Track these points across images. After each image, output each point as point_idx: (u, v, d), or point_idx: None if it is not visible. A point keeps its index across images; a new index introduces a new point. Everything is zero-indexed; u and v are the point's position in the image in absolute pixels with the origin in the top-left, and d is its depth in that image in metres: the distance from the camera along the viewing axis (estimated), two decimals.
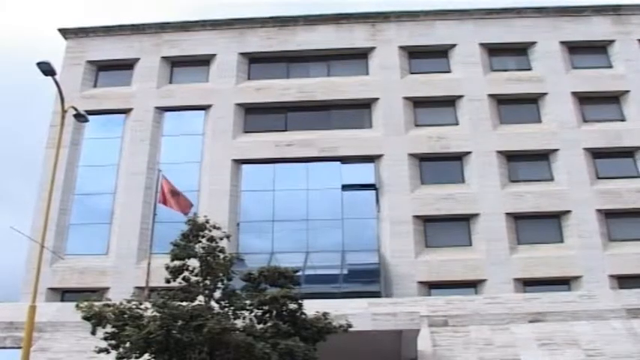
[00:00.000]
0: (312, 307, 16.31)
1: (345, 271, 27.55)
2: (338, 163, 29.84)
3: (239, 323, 15.44)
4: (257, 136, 30.48)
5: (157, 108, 31.46)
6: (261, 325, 15.73)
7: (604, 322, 22.47)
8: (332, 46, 32.45)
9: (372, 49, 32.33)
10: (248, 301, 15.94)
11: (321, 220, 28.76)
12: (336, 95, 31.21)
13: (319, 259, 27.78)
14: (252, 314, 15.91)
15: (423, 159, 29.78)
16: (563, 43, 32.42)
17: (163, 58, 32.60)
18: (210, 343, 14.62)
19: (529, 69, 32.02)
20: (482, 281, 27.48)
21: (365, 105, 31.09)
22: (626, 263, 27.80)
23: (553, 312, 22.73)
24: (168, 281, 16.08)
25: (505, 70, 32.00)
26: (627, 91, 31.21)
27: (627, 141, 30.10)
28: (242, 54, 32.52)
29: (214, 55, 32.55)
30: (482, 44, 32.31)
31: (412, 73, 31.86)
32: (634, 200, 28.98)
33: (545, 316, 22.55)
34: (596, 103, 31.18)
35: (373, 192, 29.22)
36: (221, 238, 16.36)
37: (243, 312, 15.91)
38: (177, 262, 16.00)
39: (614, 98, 31.32)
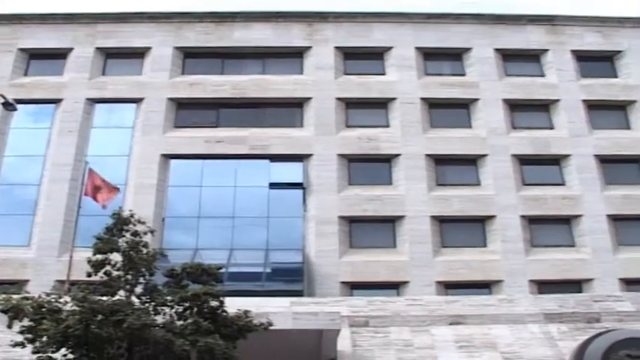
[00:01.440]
0: (234, 305, 16.24)
1: (269, 270, 27.47)
2: (267, 161, 29.60)
3: (159, 319, 15.24)
4: (187, 132, 30.23)
5: (88, 99, 31.03)
6: (181, 322, 15.53)
7: (522, 325, 22.69)
8: (268, 44, 32.34)
9: (308, 48, 32.28)
10: (169, 297, 15.76)
11: (248, 217, 28.61)
12: (270, 93, 31.09)
13: (244, 257, 27.64)
14: (173, 310, 15.73)
15: (352, 160, 29.79)
16: (498, 50, 32.75)
17: (98, 49, 32.17)
18: (129, 338, 14.45)
19: (463, 74, 32.26)
20: (404, 283, 27.55)
21: (298, 104, 31.03)
22: (546, 269, 28.23)
23: (473, 315, 22.82)
24: (89, 275, 15.77)
25: (439, 75, 32.20)
26: (557, 100, 31.64)
27: (555, 149, 30.51)
28: (177, 48, 32.24)
29: (150, 48, 32.20)
30: (418, 48, 32.45)
31: (347, 74, 31.87)
32: (558, 207, 29.37)
33: (466, 319, 22.64)
34: (526, 110, 31.57)
35: (301, 191, 29.10)
36: (145, 233, 16.19)
37: (164, 308, 15.72)
38: (99, 256, 15.76)
39: (544, 106, 31.73)
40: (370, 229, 28.62)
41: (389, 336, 21.66)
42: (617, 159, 30.89)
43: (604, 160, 30.70)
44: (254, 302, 19.02)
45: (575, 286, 28.14)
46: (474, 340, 21.68)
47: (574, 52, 33.09)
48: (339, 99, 31.01)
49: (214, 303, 15.71)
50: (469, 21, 33.18)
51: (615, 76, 32.99)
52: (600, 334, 20.39)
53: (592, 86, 32.31)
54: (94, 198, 24.43)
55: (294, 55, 32.43)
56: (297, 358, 19.63)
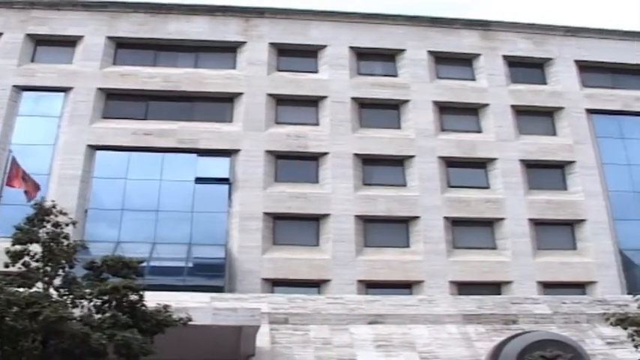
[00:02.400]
0: (154, 299, 16.07)
1: (191, 265, 27.35)
2: (194, 155, 29.41)
3: (77, 312, 14.95)
4: (115, 123, 29.90)
5: (15, 86, 30.45)
6: (99, 316, 15.24)
7: (441, 326, 22.95)
8: (203, 38, 32.14)
9: (242, 43, 32.18)
10: (88, 290, 15.47)
11: (172, 211, 28.45)
12: (201, 87, 30.93)
13: (166, 251, 27.47)
14: (92, 304, 15.44)
15: (279, 157, 29.78)
16: (431, 52, 33.02)
17: (28, 35, 31.60)
18: (45, 331, 14.10)
19: (395, 75, 32.45)
20: (326, 281, 27.64)
21: (228, 99, 30.93)
22: (467, 270, 28.60)
23: (393, 314, 23.01)
24: (7, 266, 15.41)
25: (372, 75, 32.35)
26: (487, 104, 32.01)
27: (481, 152, 30.89)
28: (110, 38, 31.85)
29: (82, 37, 31.75)
30: (352, 47, 32.57)
31: (279, 71, 31.86)
32: (481, 210, 29.75)
33: (385, 319, 22.80)
34: (455, 113, 31.92)
35: (226, 186, 28.97)
36: (67, 225, 15.91)
37: (82, 301, 15.42)
38: (18, 247, 15.42)
39: (473, 110, 32.10)
40: (294, 227, 28.66)
41: (308, 334, 21.73)
42: (541, 164, 31.42)
43: (529, 165, 31.20)
44: (174, 297, 18.99)
45: (494, 288, 28.58)
46: (393, 339, 21.86)
47: (506, 57, 33.50)
48: (270, 95, 30.99)
49: (134, 297, 15.51)
50: (404, 22, 33.38)
51: (544, 83, 33.52)
52: (516, 335, 20.69)
53: (521, 92, 32.78)
54: (20, 187, 24.01)
55: (229, 50, 32.30)
56: (216, 354, 19.51)
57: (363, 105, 31.43)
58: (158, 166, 29.25)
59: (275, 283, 27.49)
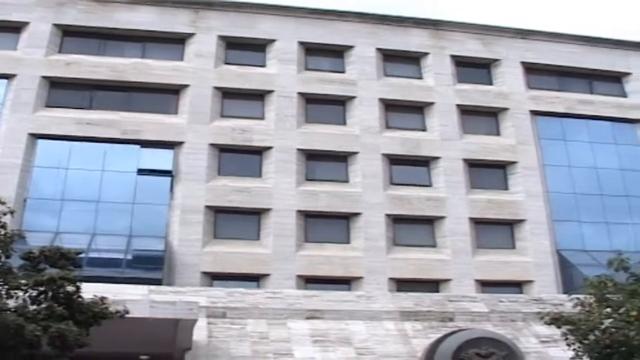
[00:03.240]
0: (91, 291, 15.81)
1: (130, 257, 27.10)
2: (138, 146, 29.23)
3: (11, 303, 14.70)
4: (59, 112, 29.55)
5: None
6: (34, 307, 14.96)
7: (378, 322, 23.08)
8: (151, 28, 31.86)
9: (191, 35, 31.99)
10: (24, 281, 15.15)
11: (113, 202, 28.23)
12: (147, 78, 30.69)
13: (105, 243, 27.26)
14: (27, 295, 15.09)
15: (223, 150, 29.72)
16: (379, 50, 33.16)
17: None
18: None
19: (343, 72, 32.51)
20: (265, 276, 27.67)
21: (174, 91, 30.74)
22: (406, 267, 28.86)
23: (331, 310, 23.08)
24: None
25: (319, 70, 32.38)
26: (432, 103, 32.26)
27: (425, 151, 31.14)
28: (57, 25, 31.42)
29: (27, 23, 31.25)
30: (301, 42, 32.58)
31: (227, 64, 31.76)
32: (422, 208, 30.00)
33: (323, 314, 22.88)
34: (401, 111, 32.12)
35: (169, 179, 28.83)
36: (4, 214, 15.60)
37: (17, 292, 15.12)
38: None
39: (419, 108, 32.33)
40: (235, 221, 28.64)
41: (245, 328, 21.70)
42: (484, 164, 31.79)
43: (472, 165, 31.53)
44: (112, 289, 18.81)
45: (433, 285, 28.86)
46: (330, 334, 21.93)
47: (453, 57, 33.78)
48: (216, 88, 30.88)
49: (70, 288, 15.18)
50: (354, 19, 33.45)
51: (490, 84, 33.88)
52: (452, 332, 20.95)
53: (467, 91, 33.09)
54: None
55: (176, 41, 32.11)
56: (152, 347, 19.45)
57: (310, 100, 31.48)
58: (100, 156, 29.02)
59: (214, 277, 27.45)
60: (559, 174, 32.30)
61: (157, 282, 24.99)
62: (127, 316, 15.82)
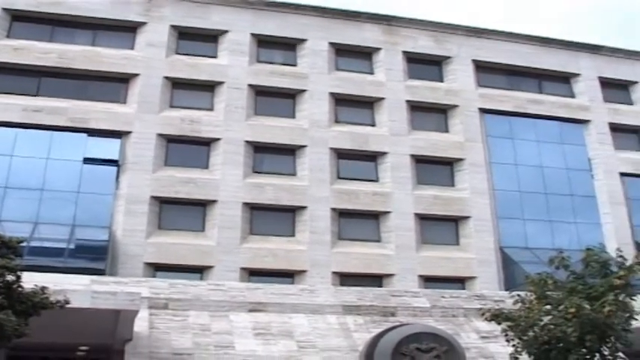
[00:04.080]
0: (32, 281, 15.77)
1: (73, 246, 26.93)
2: (84, 135, 29.06)
3: None
4: (5, 98, 29.18)
5: None
6: None
7: (321, 316, 23.24)
8: (103, 16, 31.57)
9: (143, 24, 31.76)
10: None
11: (57, 191, 27.99)
12: (97, 66, 30.44)
13: (48, 232, 27.02)
14: None
15: (171, 140, 29.62)
16: (332, 44, 33.23)
17: None
18: None
19: (294, 65, 32.53)
20: (209, 268, 27.67)
21: (124, 79, 30.54)
22: (350, 262, 29.03)
23: (273, 303, 23.20)
24: None
25: (271, 63, 32.39)
26: (383, 99, 32.40)
27: (373, 146, 31.33)
28: (6, 10, 30.99)
29: None
30: (253, 34, 32.54)
31: (178, 54, 31.60)
32: (368, 203, 30.21)
33: (266, 307, 22.99)
34: (351, 105, 32.27)
35: (115, 168, 28.69)
36: None
37: None
38: None
39: (368, 103, 32.49)
40: (181, 212, 28.62)
41: (187, 320, 21.71)
42: (431, 160, 32.06)
43: (419, 161, 31.81)
44: (53, 279, 18.81)
45: (376, 280, 29.14)
46: (272, 327, 22.05)
47: (406, 53, 33.96)
48: (166, 78, 30.75)
49: (10, 277, 15.14)
50: (308, 12, 33.46)
51: (441, 81, 34.13)
52: (394, 327, 21.20)
53: (417, 88, 33.31)
54: None
55: (128, 30, 31.87)
56: (93, 338, 19.51)
57: (260, 93, 31.49)
58: (46, 144, 28.77)
59: (158, 268, 27.40)
60: (505, 172, 32.71)
61: (100, 272, 24.95)
62: (68, 306, 15.77)
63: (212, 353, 20.05)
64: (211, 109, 30.75)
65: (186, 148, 29.87)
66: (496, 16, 74.37)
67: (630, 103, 37.04)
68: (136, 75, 30.70)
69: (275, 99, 31.64)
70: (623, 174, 34.58)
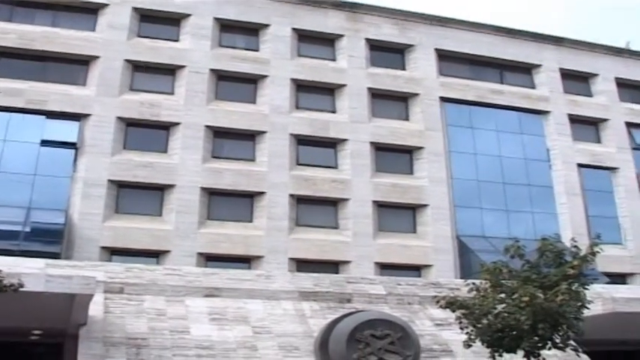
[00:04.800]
0: None
1: (28, 229, 26.77)
2: (42, 117, 28.86)
3: None
4: None
5: None
6: None
7: (277, 302, 23.30)
8: None
9: (104, 5, 31.45)
10: None
11: (13, 173, 27.76)
12: (57, 47, 30.15)
13: (3, 214, 26.79)
14: None
15: (130, 124, 29.48)
16: (295, 30, 33.18)
17: None
18: None
19: (257, 50, 32.47)
20: (166, 252, 27.68)
21: (84, 61, 30.30)
22: (307, 248, 29.21)
23: (229, 288, 23.21)
24: None
25: (233, 48, 32.30)
26: (344, 85, 32.48)
27: (333, 132, 31.45)
28: None
29: None
30: (216, 19, 32.38)
31: (140, 37, 31.40)
32: (327, 189, 30.35)
33: (221, 292, 22.98)
34: (312, 92, 32.33)
35: (72, 151, 28.55)
36: None
37: None
38: None
39: (330, 90, 32.56)
40: (138, 196, 28.55)
41: (143, 304, 21.69)
42: (391, 148, 32.24)
43: (378, 148, 31.97)
44: (8, 262, 18.74)
45: (333, 266, 29.27)
46: (227, 313, 22.07)
47: (368, 40, 34.01)
48: (127, 61, 30.55)
49: None
50: None
51: (403, 69, 34.25)
52: (349, 314, 21.29)
53: (379, 75, 33.43)
54: None
55: (90, 11, 31.54)
56: (46, 322, 19.45)
57: (221, 77, 31.43)
58: (3, 126, 28.51)
59: (114, 252, 27.35)
60: (464, 161, 32.99)
61: (55, 256, 24.85)
62: (22, 289, 15.66)
63: (167, 338, 20.03)
64: (172, 93, 30.64)
65: (146, 132, 29.76)
66: (461, 5, 74.57)
67: (590, 95, 37.44)
68: (97, 57, 30.46)
69: (236, 84, 31.60)
70: (580, 165, 34.97)
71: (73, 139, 28.91)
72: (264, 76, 31.83)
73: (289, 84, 31.93)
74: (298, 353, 20.61)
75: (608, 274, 31.19)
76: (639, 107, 37.96)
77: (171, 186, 28.87)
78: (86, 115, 29.35)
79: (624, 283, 32.26)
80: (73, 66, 30.48)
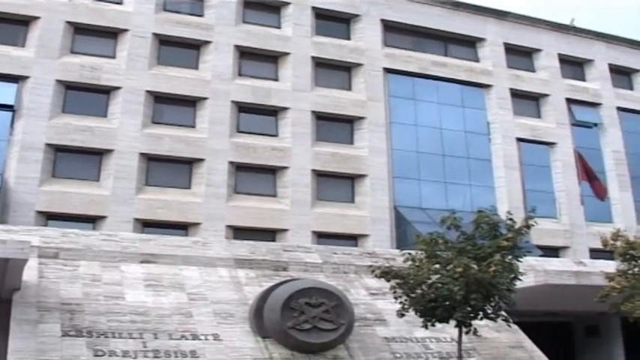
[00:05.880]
0: None
1: None
2: None
3: None
4: None
5: None
6: None
7: (213, 269, 23.39)
8: None
9: None
10: None
11: None
12: None
13: None
14: None
15: (70, 87, 29.18)
16: None
17: None
18: None
19: (201, 15, 32.26)
20: (102, 218, 27.67)
21: (24, 22, 29.81)
22: (245, 216, 29.40)
23: (165, 255, 23.27)
24: None
25: (177, 12, 32.01)
26: (288, 54, 32.49)
27: (275, 100, 31.54)
28: None
29: None
30: None
31: None
32: (266, 157, 30.54)
33: (158, 259, 23.02)
34: (255, 59, 32.29)
35: (10, 113, 28.27)
36: None
37: None
38: None
39: (273, 58, 32.54)
40: (76, 160, 28.38)
41: (77, 269, 21.66)
42: (332, 117, 32.43)
43: (320, 117, 32.14)
44: None
45: (270, 234, 29.58)
46: (163, 279, 22.16)
47: (315, 9, 33.91)
48: (69, 23, 30.13)
49: None
50: None
51: (348, 38, 34.28)
52: (285, 282, 21.43)
53: (324, 44, 33.46)
54: None
55: None
56: None
57: (164, 42, 31.21)
58: None
59: (50, 217, 27.23)
60: (405, 132, 33.35)
61: None
62: None
63: (101, 303, 20.05)
64: (113, 56, 30.38)
65: (85, 96, 29.48)
66: None
67: (532, 70, 37.94)
68: (37, 18, 29.96)
69: (179, 49, 31.41)
70: (519, 139, 35.55)
71: (10, 101, 28.56)
72: (208, 42, 31.68)
73: (233, 51, 31.83)
74: (233, 320, 20.79)
75: (542, 247, 31.95)
76: (580, 84, 38.54)
77: (109, 151, 28.77)
78: (24, 77, 28.97)
79: (557, 256, 33.04)
80: (12, 26, 29.93)
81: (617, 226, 29.31)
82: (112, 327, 18.99)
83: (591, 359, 28.24)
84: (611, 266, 23.31)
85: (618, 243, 21.40)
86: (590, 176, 33.74)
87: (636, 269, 21.05)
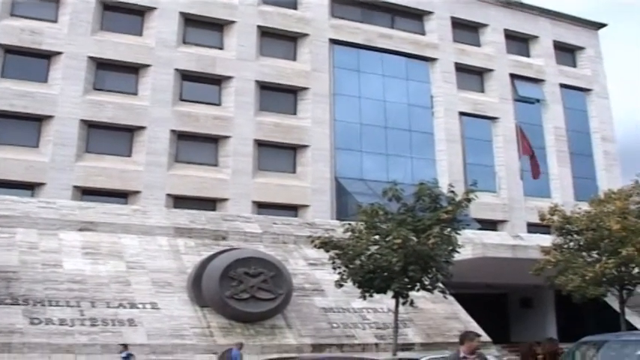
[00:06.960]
0: None
1: None
2: None
3: None
4: None
5: None
6: None
7: (152, 237, 23.68)
8: None
9: None
10: None
11: None
12: None
13: None
14: None
15: (9, 51, 28.73)
16: None
17: None
18: None
19: None
20: (41, 185, 27.52)
21: None
22: (185, 185, 29.57)
23: (104, 223, 23.45)
24: None
25: None
26: (234, 22, 32.39)
27: (219, 69, 31.50)
28: None
29: None
30: None
31: None
32: (209, 126, 30.61)
33: (97, 226, 23.20)
34: (201, 27, 32.15)
35: None
36: None
37: None
38: None
39: (219, 26, 32.41)
40: (15, 126, 28.04)
41: (14, 237, 21.72)
42: (276, 87, 32.51)
43: (263, 87, 32.22)
44: None
45: (210, 203, 29.81)
46: (101, 247, 22.35)
47: None
48: None
49: None
50: None
51: (295, 8, 34.17)
52: (224, 251, 21.79)
53: (270, 14, 33.34)
54: None
55: None
56: None
57: (107, 7, 30.84)
58: None
59: None
60: (348, 104, 33.56)
61: None
62: None
63: (39, 271, 20.20)
64: (55, 21, 29.93)
65: (26, 61, 29.08)
66: None
67: (478, 44, 38.23)
68: None
69: (123, 15, 31.08)
70: (462, 113, 36.00)
71: None
72: (153, 8, 31.39)
73: (178, 17, 31.61)
74: (171, 289, 21.11)
75: (481, 221, 32.67)
76: (524, 59, 39.01)
77: (49, 117, 28.54)
78: None
79: (495, 229, 33.81)
80: None
81: (555, 201, 30.05)
82: (49, 295, 19.25)
83: (525, 329, 29.23)
84: (547, 240, 24.07)
85: (555, 217, 22.09)
86: (531, 152, 34.37)
87: (571, 243, 21.82)
